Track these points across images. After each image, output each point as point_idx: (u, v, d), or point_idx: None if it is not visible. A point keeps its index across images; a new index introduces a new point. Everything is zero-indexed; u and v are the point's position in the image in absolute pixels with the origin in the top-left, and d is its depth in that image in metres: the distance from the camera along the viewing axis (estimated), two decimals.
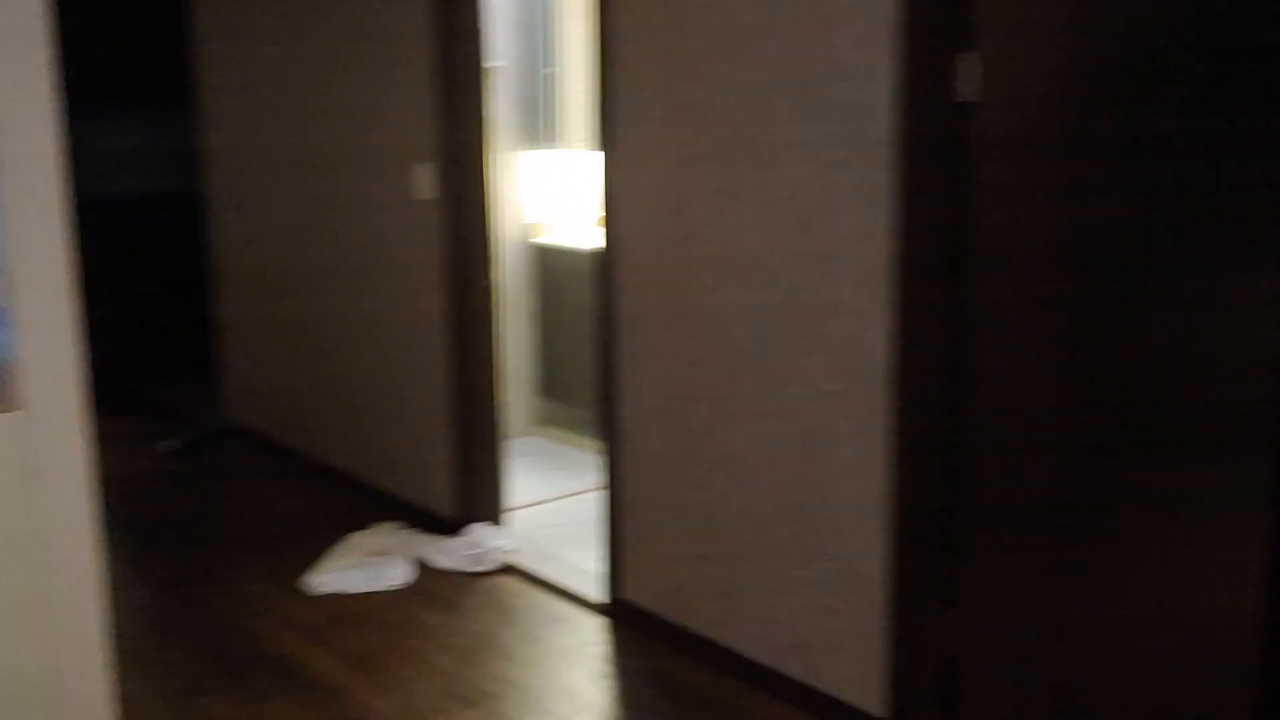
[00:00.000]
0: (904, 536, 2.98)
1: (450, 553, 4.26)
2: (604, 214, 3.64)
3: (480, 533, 4.33)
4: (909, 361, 2.89)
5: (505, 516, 4.52)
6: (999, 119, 2.70)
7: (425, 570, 4.23)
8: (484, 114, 4.28)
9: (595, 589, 3.92)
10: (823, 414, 3.09)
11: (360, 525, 4.55)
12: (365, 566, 4.19)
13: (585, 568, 4.12)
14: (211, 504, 5.09)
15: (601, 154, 3.62)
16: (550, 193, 5.54)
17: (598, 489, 3.82)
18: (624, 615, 3.78)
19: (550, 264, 5.54)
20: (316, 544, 4.43)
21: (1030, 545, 2.84)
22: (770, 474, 3.25)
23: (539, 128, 5.54)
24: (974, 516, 2.90)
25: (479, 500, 4.47)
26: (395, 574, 4.15)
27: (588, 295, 4.20)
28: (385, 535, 4.41)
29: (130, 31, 6.62)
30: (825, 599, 3.16)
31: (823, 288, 3.04)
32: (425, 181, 4.36)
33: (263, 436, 5.74)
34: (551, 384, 5.64)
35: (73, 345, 2.95)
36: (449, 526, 4.47)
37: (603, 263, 3.68)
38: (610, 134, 3.58)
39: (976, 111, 2.71)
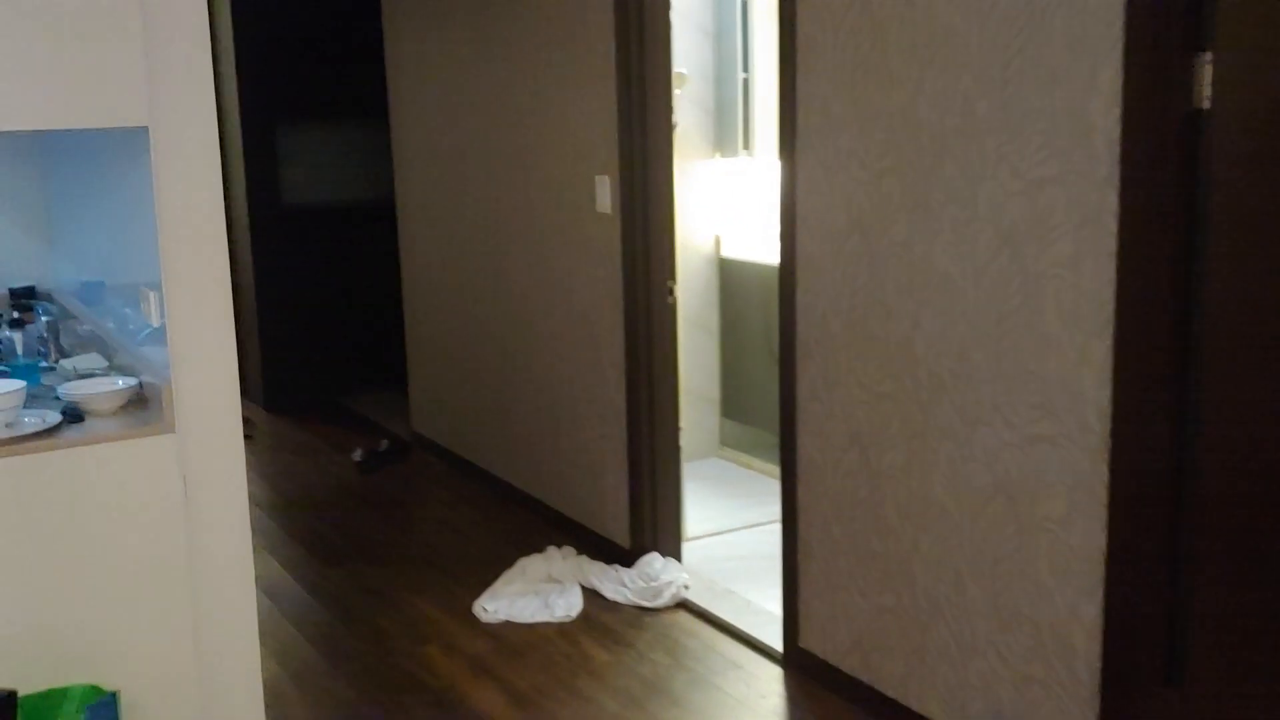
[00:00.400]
0: (1118, 604, 2.60)
1: (623, 584, 4.06)
2: (783, 229, 3.37)
3: (655, 564, 4.11)
4: (1130, 406, 2.52)
5: (683, 546, 4.28)
6: (1240, 129, 2.32)
7: (596, 601, 4.04)
8: (670, 122, 4.06)
9: (774, 633, 3.64)
10: (1027, 461, 2.74)
11: (534, 548, 4.40)
12: (536, 594, 4.04)
13: (765, 608, 3.85)
14: (389, 520, 5.03)
15: (784, 164, 3.35)
16: (740, 204, 5.29)
17: (780, 522, 3.55)
18: (803, 666, 3.49)
19: (737, 278, 5.29)
20: (490, 566, 4.30)
21: (1268, 619, 2.43)
22: (965, 524, 2.92)
23: (734, 136, 5.29)
24: (1201, 585, 2.51)
25: (655, 528, 4.25)
26: (566, 604, 3.97)
27: (775, 312, 3.95)
28: (558, 561, 4.24)
29: (336, 45, 6.69)
30: (1026, 667, 2.81)
31: (1030, 319, 2.69)
32: (606, 194, 4.17)
33: (445, 450, 5.67)
34: (736, 404, 5.38)
35: (228, 367, 2.87)
36: (623, 555, 4.27)
37: (782, 281, 3.40)
38: (793, 143, 3.30)
39: (1213, 121, 2.33)
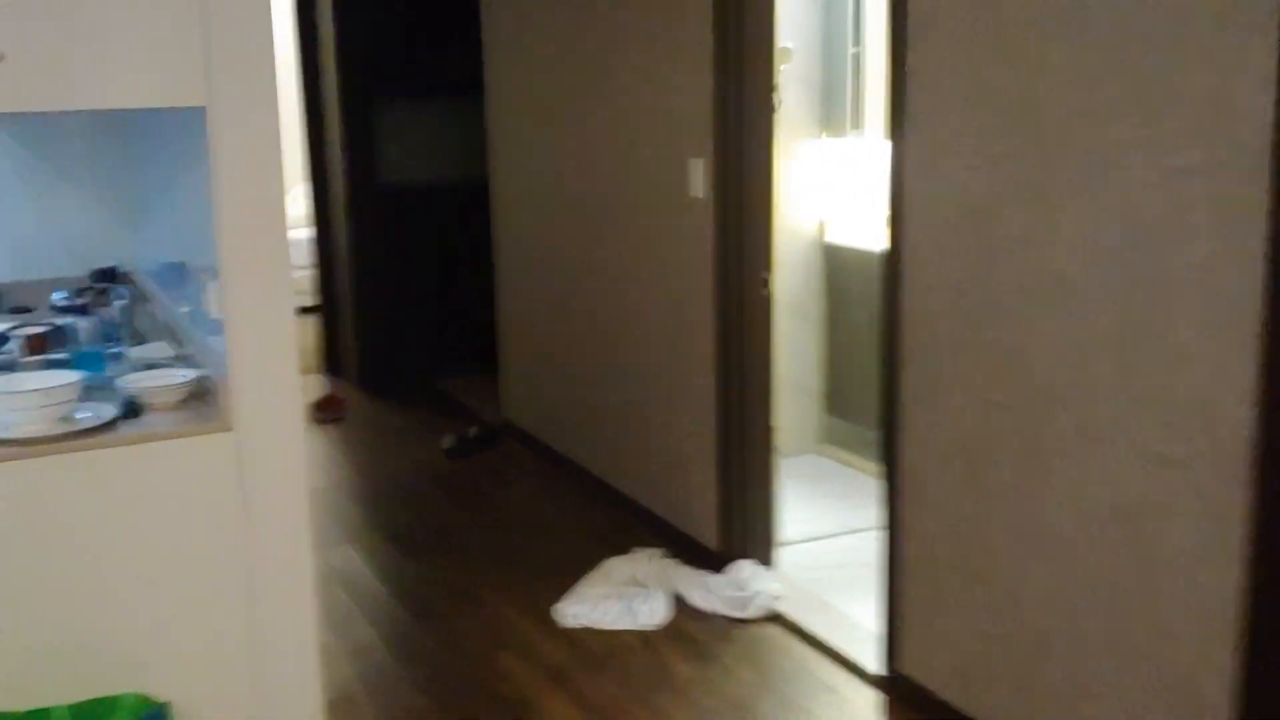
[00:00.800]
0: (1259, 651, 2.31)
1: (711, 592, 3.84)
2: (890, 217, 3.11)
3: (746, 571, 3.88)
4: (1276, 427, 2.22)
5: (776, 552, 4.05)
6: None
7: (682, 608, 3.83)
8: (772, 100, 3.81)
9: (871, 653, 3.40)
10: (1155, 485, 2.45)
11: (620, 548, 4.20)
12: (620, 599, 3.84)
13: (863, 624, 3.60)
14: (474, 511, 4.88)
15: (891, 146, 3.08)
16: (848, 186, 5.01)
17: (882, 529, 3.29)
18: (901, 692, 3.24)
19: (844, 266, 5.01)
20: (574, 565, 4.11)
21: None
22: (1082, 550, 2.64)
23: (843, 115, 5.01)
24: None
25: (746, 531, 4.02)
26: (650, 611, 3.77)
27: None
28: (643, 564, 4.04)
29: (433, 22, 6.55)
30: (1147, 715, 2.53)
31: (1161, 327, 2.40)
32: (700, 177, 3.94)
33: (535, 439, 5.50)
34: (840, 399, 5.11)
35: (288, 362, 2.71)
36: (712, 559, 4.05)
37: (886, 275, 3.14)
38: (902, 123, 3.03)
39: None
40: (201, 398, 2.83)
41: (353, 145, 6.58)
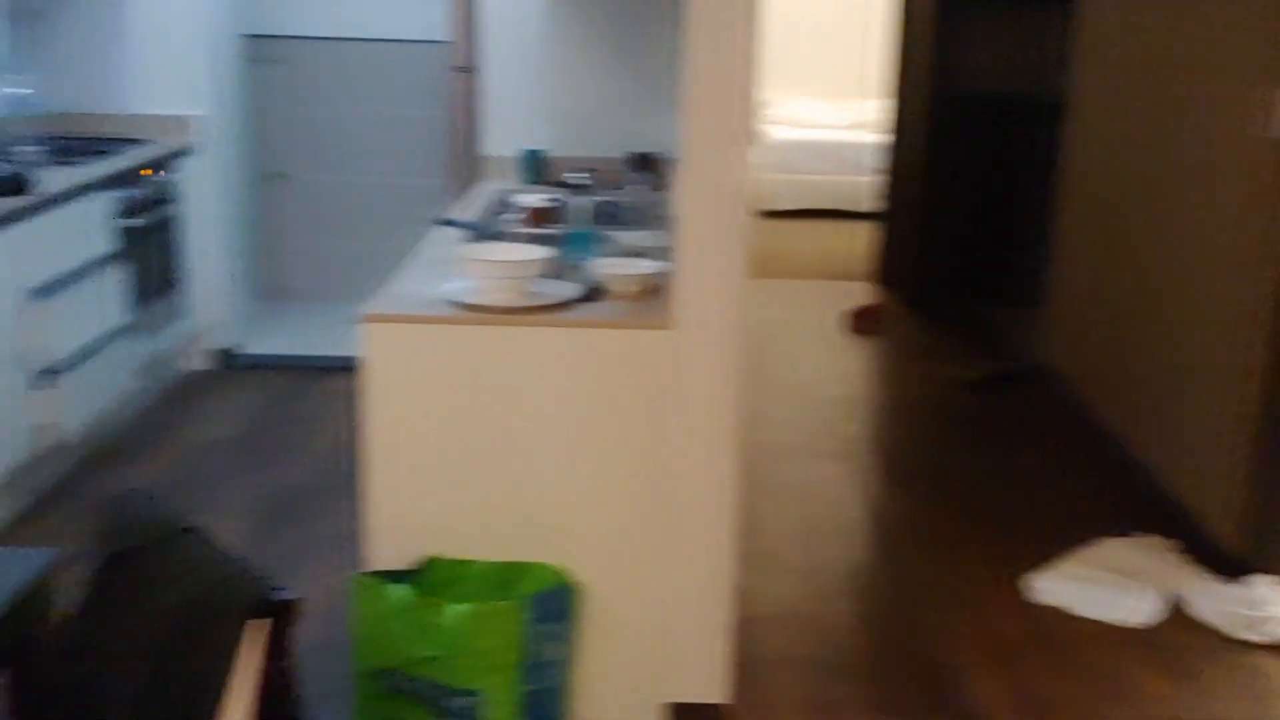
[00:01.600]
0: None
1: (1212, 600, 3.27)
2: None
3: (1262, 588, 3.26)
4: None
5: None
6: None
7: (1174, 614, 3.30)
8: None
9: None
10: None
11: (1120, 525, 3.70)
12: (1104, 586, 3.38)
13: None
14: (977, 452, 4.52)
15: None
16: None
17: None
18: None
19: None
20: (1063, 535, 3.66)
21: None
22: None
23: None
24: None
25: (1275, 540, 3.37)
26: (1136, 608, 3.28)
27: None
28: (1143, 552, 3.53)
29: None
30: None
31: None
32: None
33: (1066, 388, 4.98)
34: None
35: (733, 266, 2.57)
36: (1224, 564, 3.44)
37: None
38: None
39: None
40: (660, 291, 2.79)
41: (938, 53, 6.26)
